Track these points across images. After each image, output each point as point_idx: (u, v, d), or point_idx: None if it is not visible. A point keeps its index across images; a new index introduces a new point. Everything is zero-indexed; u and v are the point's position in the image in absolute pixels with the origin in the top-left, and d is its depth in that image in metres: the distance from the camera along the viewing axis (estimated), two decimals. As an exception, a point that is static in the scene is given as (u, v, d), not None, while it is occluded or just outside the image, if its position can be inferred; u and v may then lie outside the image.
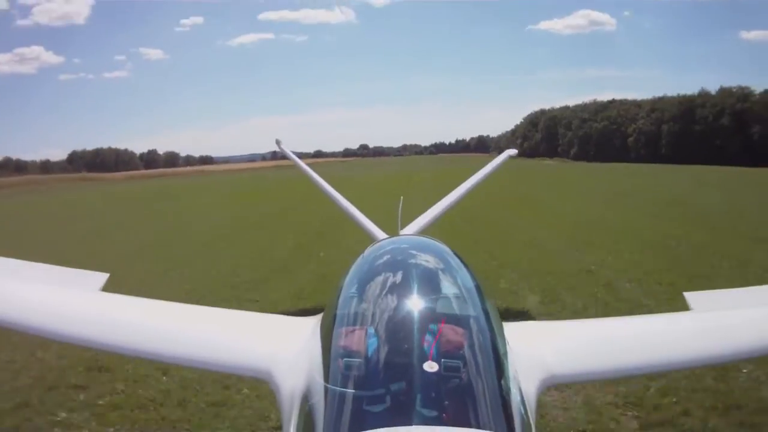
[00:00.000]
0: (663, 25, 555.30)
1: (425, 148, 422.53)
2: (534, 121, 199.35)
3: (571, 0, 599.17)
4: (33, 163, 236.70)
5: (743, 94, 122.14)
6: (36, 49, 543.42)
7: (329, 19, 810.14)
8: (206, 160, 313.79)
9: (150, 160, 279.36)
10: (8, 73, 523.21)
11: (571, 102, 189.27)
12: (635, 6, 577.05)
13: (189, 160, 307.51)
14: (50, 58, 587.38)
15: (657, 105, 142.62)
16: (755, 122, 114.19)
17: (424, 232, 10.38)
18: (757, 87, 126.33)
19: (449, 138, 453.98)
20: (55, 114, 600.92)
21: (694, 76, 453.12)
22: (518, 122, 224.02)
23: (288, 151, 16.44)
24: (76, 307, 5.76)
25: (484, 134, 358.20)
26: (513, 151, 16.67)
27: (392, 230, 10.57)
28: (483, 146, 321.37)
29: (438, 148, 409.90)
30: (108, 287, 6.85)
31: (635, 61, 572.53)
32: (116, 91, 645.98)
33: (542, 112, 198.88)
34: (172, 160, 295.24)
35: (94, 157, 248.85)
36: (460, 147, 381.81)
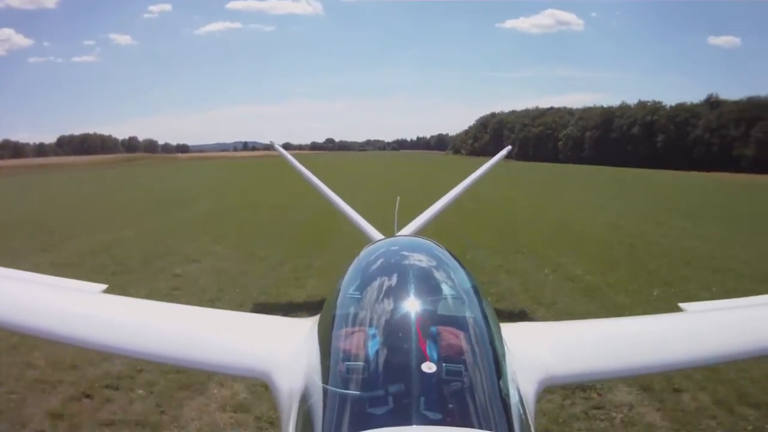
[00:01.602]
0: (630, 28, 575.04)
1: (388, 144, 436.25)
2: (485, 123, 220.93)
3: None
4: (28, 145, 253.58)
5: (654, 108, 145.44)
6: (7, 32, 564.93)
7: (297, 10, 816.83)
8: (182, 149, 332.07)
9: (131, 146, 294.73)
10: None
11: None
12: (602, 7, 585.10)
13: (167, 148, 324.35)
14: (20, 40, 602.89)
15: (584, 114, 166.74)
16: (660, 132, 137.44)
17: (421, 232, 10.71)
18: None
19: (411, 135, 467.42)
20: (25, 96, 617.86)
21: (661, 79, 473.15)
22: (471, 123, 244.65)
23: (284, 152, 16.77)
24: (75, 309, 5.71)
25: (444, 133, 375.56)
26: (507, 150, 17.10)
27: (388, 229, 10.90)
28: (442, 144, 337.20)
29: (400, 145, 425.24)
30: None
31: (602, 62, 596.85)
32: (85, 76, 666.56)
33: (492, 115, 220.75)
34: (151, 146, 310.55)
35: (81, 142, 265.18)
36: (421, 144, 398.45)
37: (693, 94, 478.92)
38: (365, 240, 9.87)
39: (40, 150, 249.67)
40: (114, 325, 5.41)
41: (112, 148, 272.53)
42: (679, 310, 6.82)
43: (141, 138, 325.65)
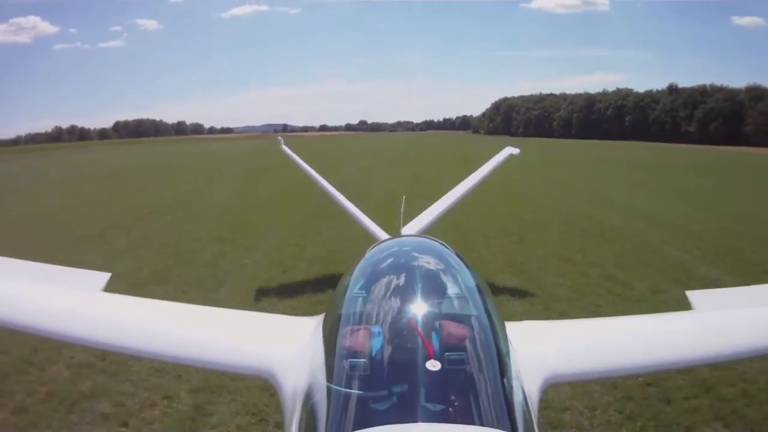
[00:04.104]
0: (656, 8, 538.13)
1: (417, 125, 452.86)
2: (498, 106, 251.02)
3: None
4: (94, 130, 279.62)
5: (626, 94, 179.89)
6: (32, 19, 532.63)
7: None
8: (227, 131, 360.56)
9: (180, 129, 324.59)
10: (4, 42, 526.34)
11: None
12: None
13: (212, 130, 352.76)
14: (46, 27, 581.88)
15: (572, 99, 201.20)
16: (628, 114, 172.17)
17: (426, 231, 10.92)
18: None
19: (438, 116, 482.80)
20: (49, 83, 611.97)
21: (684, 59, 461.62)
22: (488, 106, 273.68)
23: (290, 152, 16.95)
24: (78, 308, 5.75)
25: (468, 114, 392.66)
26: (515, 151, 16.24)
27: (393, 228, 11.44)
28: (466, 124, 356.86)
29: (428, 125, 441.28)
30: (112, 284, 6.52)
31: (626, 42, 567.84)
32: (112, 61, 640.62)
33: (504, 99, 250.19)
34: (198, 129, 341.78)
35: (137, 126, 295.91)
36: (448, 125, 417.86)
37: (716, 75, 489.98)
38: (370, 240, 10.06)
39: (103, 134, 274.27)
40: (118, 325, 5.46)
41: (164, 131, 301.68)
42: (685, 304, 6.34)
43: (188, 122, 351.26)
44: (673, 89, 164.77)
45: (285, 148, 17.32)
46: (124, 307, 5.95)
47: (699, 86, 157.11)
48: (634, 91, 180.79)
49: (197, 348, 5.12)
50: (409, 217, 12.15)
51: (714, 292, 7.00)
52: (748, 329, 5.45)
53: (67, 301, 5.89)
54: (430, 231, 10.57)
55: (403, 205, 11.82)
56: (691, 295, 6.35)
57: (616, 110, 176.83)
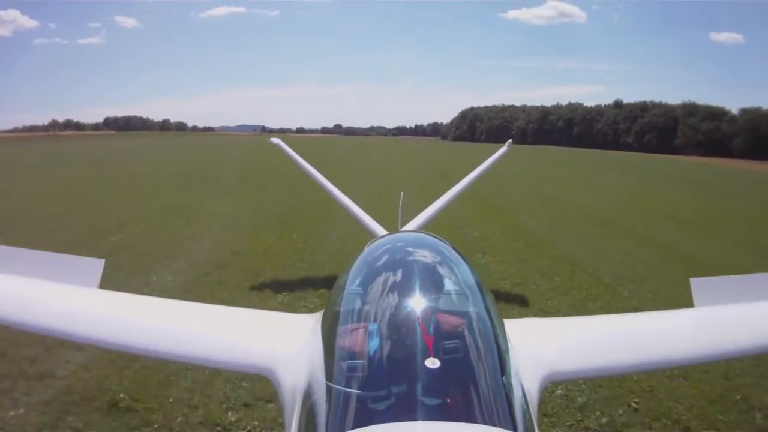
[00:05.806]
0: (632, 22, 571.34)
1: (389, 130, 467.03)
2: (465, 115, 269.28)
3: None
4: (88, 124, 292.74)
5: (575, 108, 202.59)
6: (12, 13, 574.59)
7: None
8: (208, 130, 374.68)
9: (164, 126, 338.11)
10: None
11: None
12: (604, 0, 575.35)
13: (195, 129, 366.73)
14: (26, 21, 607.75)
15: (529, 111, 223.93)
16: (576, 125, 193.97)
17: (425, 228, 10.44)
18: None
19: (411, 122, 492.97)
20: (30, 77, 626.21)
21: (661, 73, 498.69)
22: (455, 115, 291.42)
23: (285, 147, 15.96)
24: (74, 304, 5.59)
25: (439, 121, 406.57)
26: (505, 148, 16.01)
27: (392, 226, 11.07)
28: (436, 131, 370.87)
29: (400, 131, 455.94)
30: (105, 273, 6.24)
31: (603, 54, 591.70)
32: (91, 58, 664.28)
33: (471, 109, 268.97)
34: (181, 127, 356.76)
35: (126, 122, 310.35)
36: (419, 131, 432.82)
37: (693, 89, 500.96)
38: (368, 236, 9.78)
39: (96, 128, 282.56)
40: (115, 322, 5.32)
41: (150, 127, 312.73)
42: (687, 302, 6.07)
43: (173, 120, 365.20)
44: (618, 104, 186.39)
45: (282, 144, 16.05)
46: (121, 305, 5.82)
47: (640, 102, 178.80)
48: (584, 105, 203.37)
49: (195, 346, 5.02)
50: (409, 214, 11.93)
51: (717, 279, 6.48)
52: (751, 326, 5.31)
53: (63, 297, 5.70)
54: (429, 228, 9.60)
55: (401, 201, 11.93)
56: (695, 282, 6.20)
57: (566, 122, 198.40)
